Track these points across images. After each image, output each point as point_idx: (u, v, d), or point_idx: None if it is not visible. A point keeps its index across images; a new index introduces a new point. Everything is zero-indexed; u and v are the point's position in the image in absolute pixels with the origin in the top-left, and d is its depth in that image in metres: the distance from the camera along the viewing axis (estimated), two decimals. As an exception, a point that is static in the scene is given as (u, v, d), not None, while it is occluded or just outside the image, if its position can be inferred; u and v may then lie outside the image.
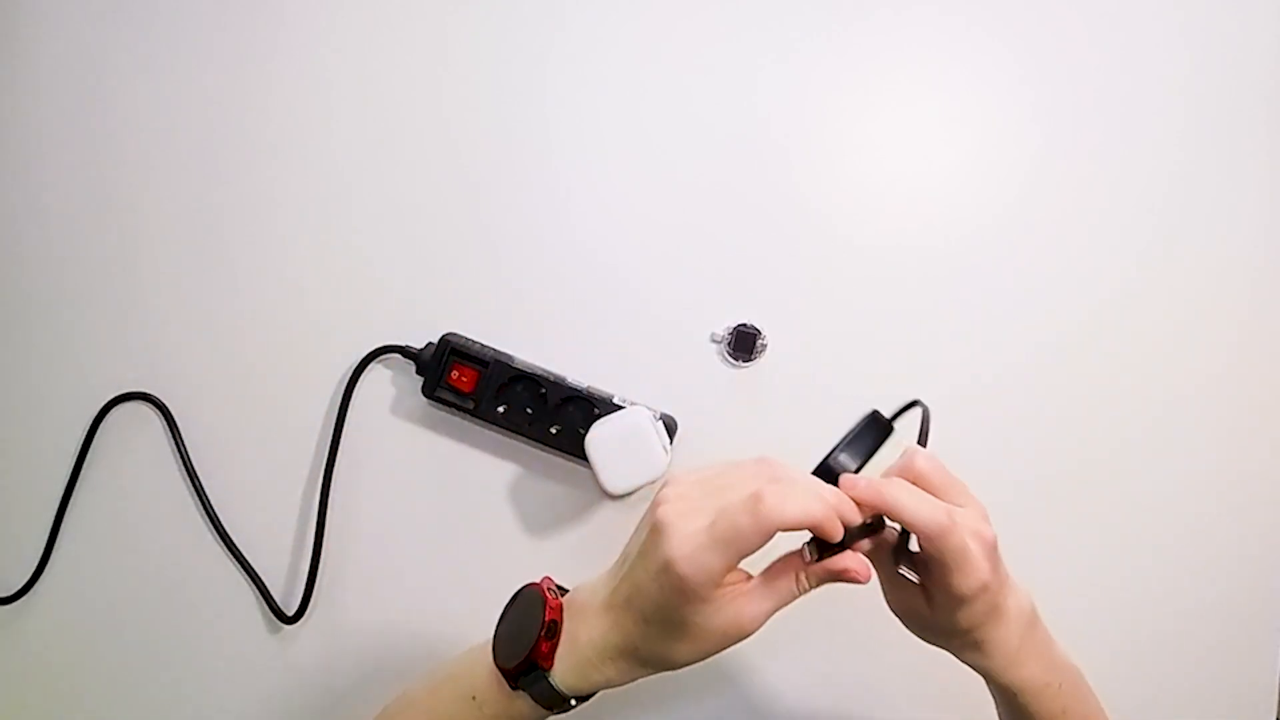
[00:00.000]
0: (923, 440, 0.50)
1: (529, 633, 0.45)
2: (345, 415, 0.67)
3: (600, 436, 0.62)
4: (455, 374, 0.65)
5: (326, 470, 0.67)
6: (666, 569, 0.42)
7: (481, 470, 0.69)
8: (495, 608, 0.51)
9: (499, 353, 0.66)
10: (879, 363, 0.69)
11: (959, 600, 0.44)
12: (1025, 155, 0.71)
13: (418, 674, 0.54)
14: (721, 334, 0.69)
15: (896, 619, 0.50)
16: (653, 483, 0.62)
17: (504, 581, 0.51)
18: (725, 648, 0.44)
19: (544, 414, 0.65)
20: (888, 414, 0.60)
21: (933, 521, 0.42)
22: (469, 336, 0.67)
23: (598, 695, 0.47)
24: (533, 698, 0.46)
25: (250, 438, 0.69)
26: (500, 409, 0.65)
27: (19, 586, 0.68)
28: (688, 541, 0.41)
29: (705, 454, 0.67)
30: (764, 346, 0.68)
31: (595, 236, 0.69)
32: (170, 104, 0.70)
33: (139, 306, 0.69)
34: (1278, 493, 0.70)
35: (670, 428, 0.64)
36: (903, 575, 0.45)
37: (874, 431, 0.56)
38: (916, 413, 0.54)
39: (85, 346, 0.69)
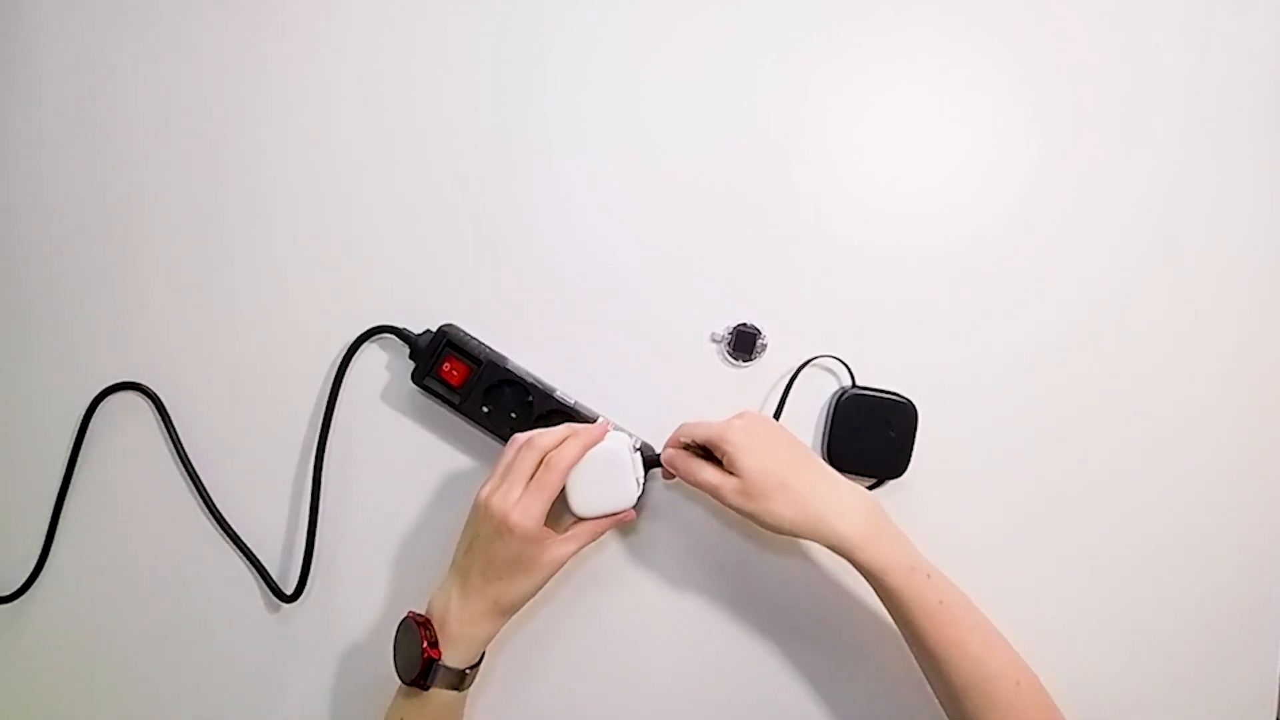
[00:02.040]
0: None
1: (415, 647, 0.60)
2: (337, 396, 0.68)
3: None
4: (447, 366, 0.65)
5: (318, 451, 0.67)
6: (502, 525, 0.59)
7: (461, 465, 0.69)
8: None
9: (494, 353, 0.67)
10: (879, 362, 0.69)
11: (741, 471, 0.59)
12: (1025, 155, 0.71)
13: None
14: (721, 334, 0.69)
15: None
16: (618, 513, 0.63)
17: None
18: (551, 576, 0.62)
19: (527, 422, 0.65)
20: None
21: (703, 430, 0.62)
22: (468, 332, 0.68)
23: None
24: (442, 684, 0.60)
25: (243, 422, 0.69)
26: (484, 409, 0.66)
27: (21, 583, 0.69)
28: (514, 503, 0.59)
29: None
30: (764, 346, 0.68)
31: (596, 236, 0.70)
32: (167, 97, 0.71)
33: (129, 297, 0.70)
34: (1278, 493, 0.69)
35: (649, 459, 0.65)
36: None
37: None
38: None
39: (74, 338, 0.70)
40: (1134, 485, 0.69)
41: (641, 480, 0.64)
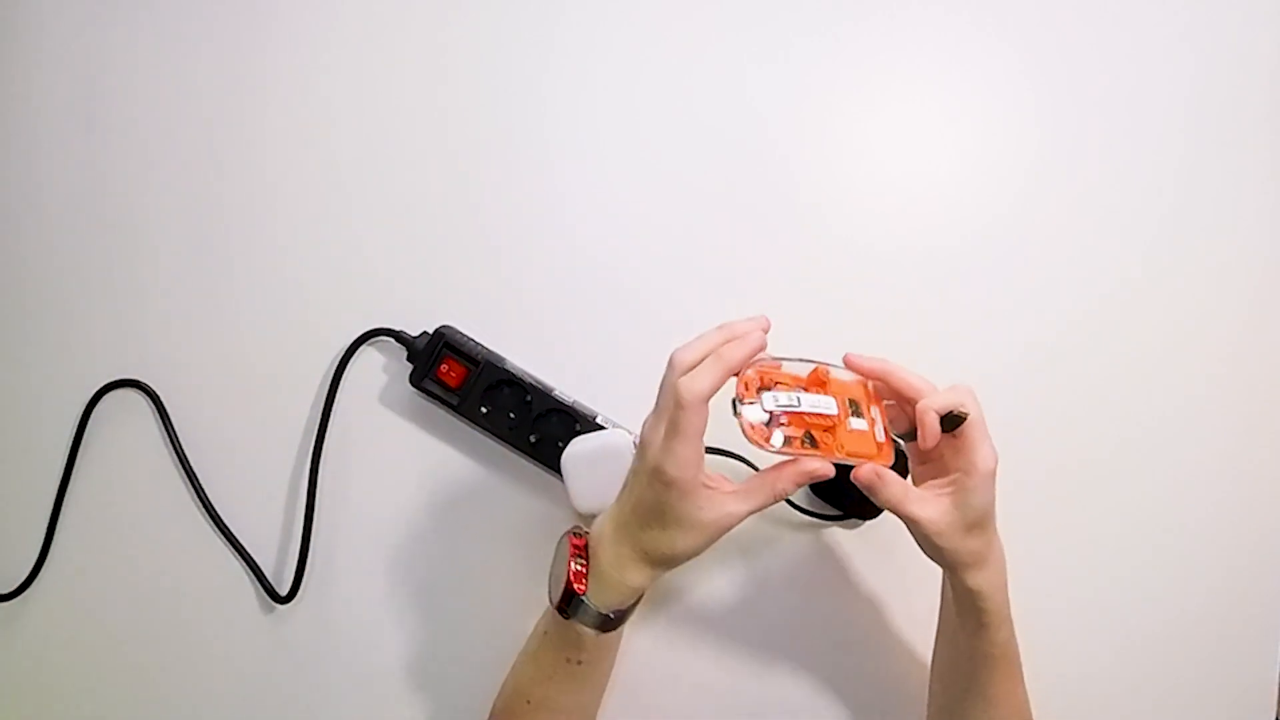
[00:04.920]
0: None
1: (563, 570, 0.54)
2: (335, 397, 0.67)
3: (577, 453, 0.62)
4: (445, 367, 0.65)
5: (315, 452, 0.67)
6: (655, 473, 0.50)
7: (459, 466, 0.69)
8: (476, 594, 0.62)
9: (491, 353, 0.66)
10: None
11: (983, 476, 0.52)
12: (1026, 155, 0.70)
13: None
14: (720, 333, 0.69)
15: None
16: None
17: (479, 568, 0.56)
18: (717, 538, 0.52)
19: (526, 421, 0.65)
20: None
21: (960, 389, 0.53)
22: (465, 333, 0.67)
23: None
24: (581, 621, 0.54)
25: (241, 422, 0.69)
26: (483, 410, 0.66)
27: (20, 581, 0.68)
28: (660, 447, 0.50)
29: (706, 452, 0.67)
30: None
31: (594, 236, 0.69)
32: (168, 97, 0.70)
33: (128, 296, 0.70)
34: (1278, 493, 0.69)
35: None
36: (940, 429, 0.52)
37: None
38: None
39: (73, 335, 0.70)
40: (1134, 485, 0.69)
41: None
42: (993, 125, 0.71)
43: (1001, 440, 0.68)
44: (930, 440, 0.52)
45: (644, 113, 0.70)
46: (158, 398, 0.69)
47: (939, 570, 0.57)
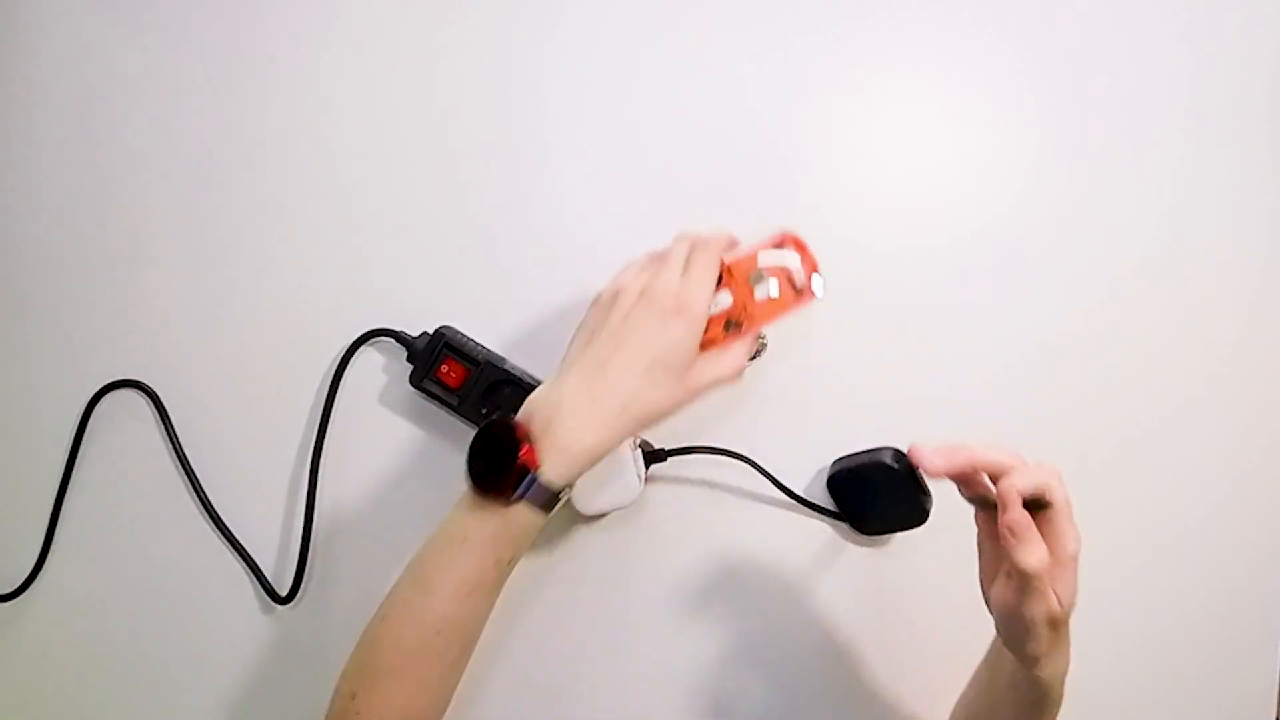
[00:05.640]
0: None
1: (505, 453, 0.51)
2: (335, 397, 0.67)
3: None
4: (445, 368, 0.65)
5: (315, 452, 0.67)
6: (678, 306, 0.52)
7: (459, 466, 0.67)
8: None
9: (492, 354, 0.66)
10: (880, 362, 0.69)
11: (1070, 560, 0.47)
12: (1026, 155, 0.70)
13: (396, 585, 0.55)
14: (720, 333, 0.69)
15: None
16: (623, 508, 0.63)
17: None
18: (696, 398, 0.53)
19: None
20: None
21: (1047, 469, 0.48)
22: (465, 333, 0.67)
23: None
24: (531, 504, 0.51)
25: (240, 422, 0.69)
26: (483, 410, 0.65)
27: (20, 582, 0.68)
28: (677, 285, 0.52)
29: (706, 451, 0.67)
30: (764, 346, 0.68)
31: (594, 236, 0.69)
32: (167, 98, 0.70)
33: (128, 294, 0.70)
34: (1278, 493, 0.69)
35: (649, 455, 0.64)
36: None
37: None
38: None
39: (73, 335, 0.70)
40: (1134, 485, 0.69)
41: (643, 476, 0.64)
42: (993, 125, 0.71)
43: (1001, 439, 0.69)
44: (1012, 518, 0.47)
45: (644, 113, 0.70)
46: (158, 398, 0.69)
47: (946, 583, 0.56)
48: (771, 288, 0.56)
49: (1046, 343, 0.70)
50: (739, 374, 0.55)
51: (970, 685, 0.60)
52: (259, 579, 0.68)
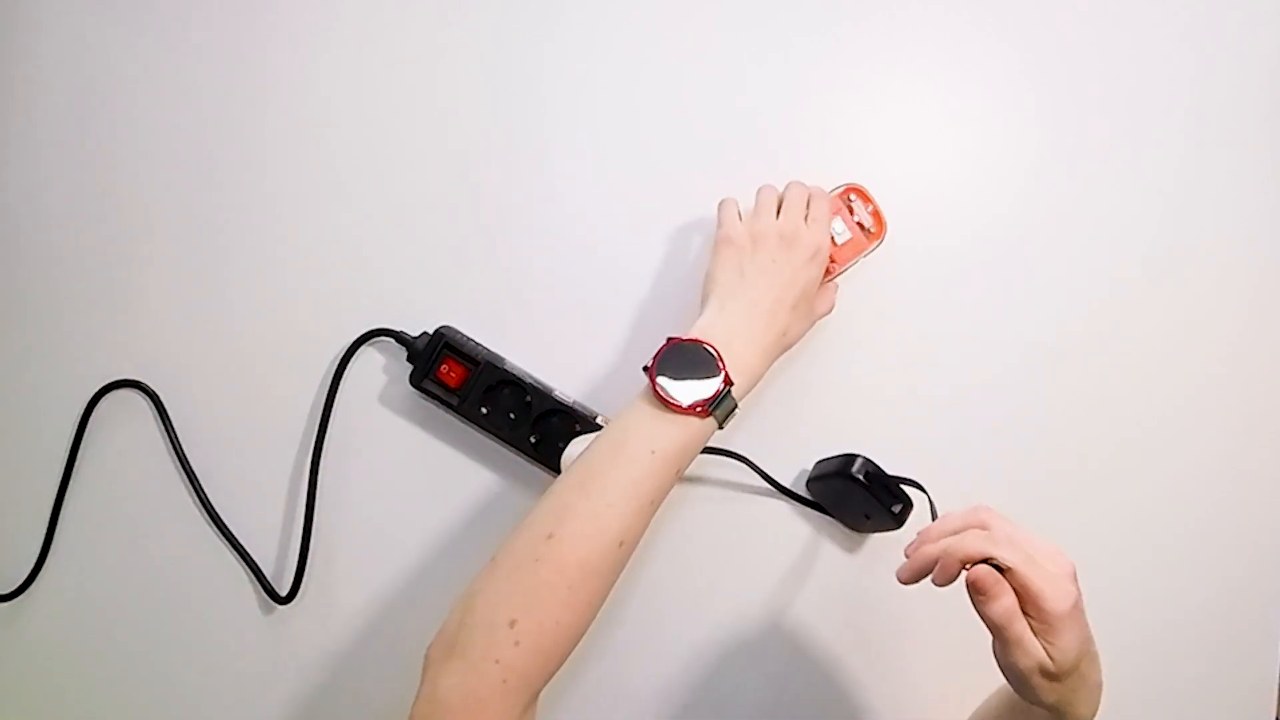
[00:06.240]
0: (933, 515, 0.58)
1: (711, 370, 0.56)
2: (335, 398, 0.67)
3: (577, 454, 0.62)
4: (445, 368, 0.65)
5: (315, 453, 0.67)
6: (821, 250, 0.62)
7: (459, 466, 0.69)
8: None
9: (491, 353, 0.66)
10: (880, 362, 0.69)
11: (1057, 619, 0.46)
12: (1026, 155, 0.70)
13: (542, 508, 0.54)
14: (721, 333, 0.69)
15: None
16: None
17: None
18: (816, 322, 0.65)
19: (525, 422, 0.65)
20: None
21: (1011, 558, 0.47)
22: (465, 333, 0.67)
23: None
24: (721, 417, 0.56)
25: (240, 422, 0.69)
26: (483, 410, 0.65)
27: (20, 582, 0.68)
28: (814, 229, 0.62)
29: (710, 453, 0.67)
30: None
31: (594, 236, 0.69)
32: (167, 98, 0.70)
33: (128, 294, 0.70)
34: (1278, 493, 0.69)
35: None
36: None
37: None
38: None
39: (73, 335, 0.70)
40: (1133, 485, 0.69)
41: None
42: (993, 125, 0.71)
43: (1001, 440, 0.69)
44: (970, 577, 0.47)
45: (644, 113, 0.70)
46: (158, 398, 0.69)
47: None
48: (846, 232, 0.66)
49: (1046, 343, 0.70)
50: (832, 308, 0.66)
51: (996, 696, 0.60)
52: (259, 579, 0.68)
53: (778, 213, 0.63)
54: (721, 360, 0.56)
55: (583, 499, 0.53)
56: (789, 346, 0.62)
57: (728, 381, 0.55)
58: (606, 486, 0.53)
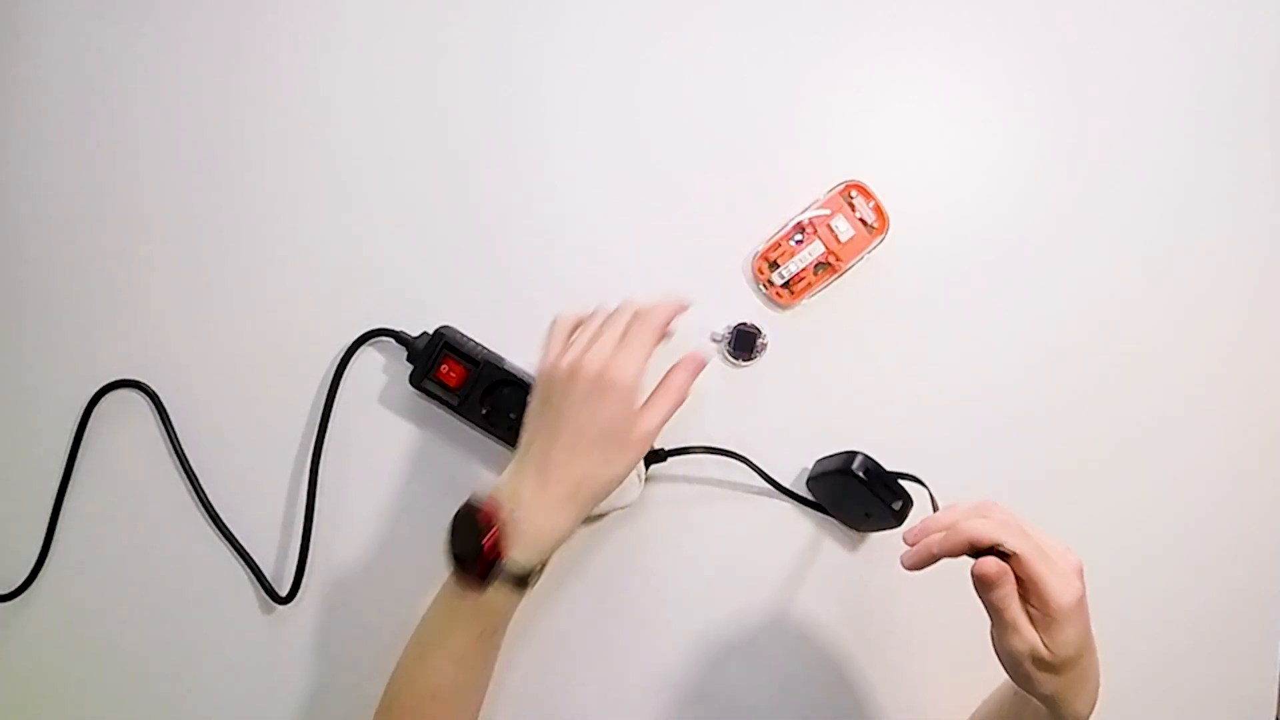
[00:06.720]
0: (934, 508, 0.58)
1: (473, 542, 0.53)
2: (335, 398, 0.67)
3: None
4: (445, 368, 0.65)
5: (315, 453, 0.67)
6: (602, 383, 0.54)
7: (459, 466, 0.69)
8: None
9: (491, 354, 0.66)
10: (880, 361, 0.69)
11: (1059, 613, 0.47)
12: (1026, 155, 0.70)
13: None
14: (721, 334, 0.69)
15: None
16: (623, 509, 0.63)
17: None
18: (638, 459, 0.56)
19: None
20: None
21: (1020, 545, 0.48)
22: (465, 333, 0.67)
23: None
24: (504, 586, 0.54)
25: (240, 422, 0.69)
26: (483, 410, 0.65)
27: (20, 582, 0.68)
28: (606, 358, 0.54)
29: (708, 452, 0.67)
30: (764, 346, 0.68)
31: (594, 235, 0.69)
32: (167, 97, 0.70)
33: (128, 294, 0.70)
34: (1278, 493, 0.69)
35: (649, 455, 0.64)
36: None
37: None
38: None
39: (73, 335, 0.70)
40: (1133, 485, 0.69)
41: (643, 476, 0.64)
42: (993, 125, 0.71)
43: (1001, 440, 0.69)
44: (975, 568, 0.48)
45: (644, 113, 0.70)
46: (158, 398, 0.69)
47: (942, 581, 0.56)
48: (849, 230, 0.67)
49: (1046, 343, 0.70)
50: (684, 399, 0.58)
51: (997, 694, 0.61)
52: (259, 579, 0.68)
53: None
54: (487, 530, 0.53)
55: (409, 654, 0.59)
56: (606, 489, 0.56)
57: (498, 553, 0.53)
58: (422, 644, 0.58)
